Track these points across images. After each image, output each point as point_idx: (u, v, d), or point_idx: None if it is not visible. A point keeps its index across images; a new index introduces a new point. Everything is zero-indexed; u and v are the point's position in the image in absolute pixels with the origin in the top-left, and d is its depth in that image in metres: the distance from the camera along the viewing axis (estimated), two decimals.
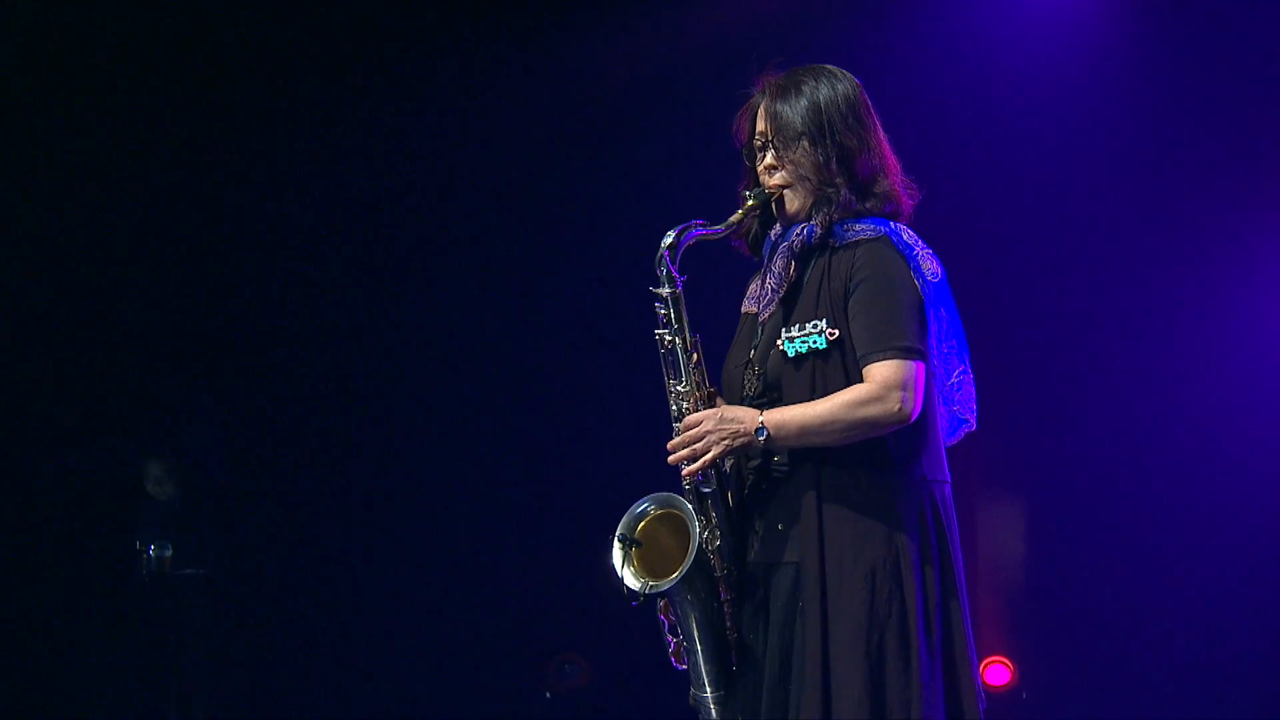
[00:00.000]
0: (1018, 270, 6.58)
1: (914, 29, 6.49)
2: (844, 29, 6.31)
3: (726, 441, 3.44)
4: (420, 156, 6.65)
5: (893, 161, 3.62)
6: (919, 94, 6.28)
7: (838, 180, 3.53)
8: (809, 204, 3.56)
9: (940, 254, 6.34)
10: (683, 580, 3.46)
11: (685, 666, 3.59)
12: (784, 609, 3.48)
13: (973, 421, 3.62)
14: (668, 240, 3.51)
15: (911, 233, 3.57)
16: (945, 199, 6.36)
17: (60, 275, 6.46)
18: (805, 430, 3.41)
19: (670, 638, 3.58)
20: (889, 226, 3.54)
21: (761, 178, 3.60)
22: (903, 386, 3.39)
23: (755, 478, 3.56)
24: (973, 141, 6.45)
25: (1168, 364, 6.45)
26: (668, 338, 3.54)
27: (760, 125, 3.60)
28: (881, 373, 3.40)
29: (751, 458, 3.55)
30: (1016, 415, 6.54)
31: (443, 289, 6.69)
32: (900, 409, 3.39)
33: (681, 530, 3.51)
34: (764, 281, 3.61)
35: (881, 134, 3.62)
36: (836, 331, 3.46)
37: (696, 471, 3.47)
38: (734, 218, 3.57)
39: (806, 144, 3.53)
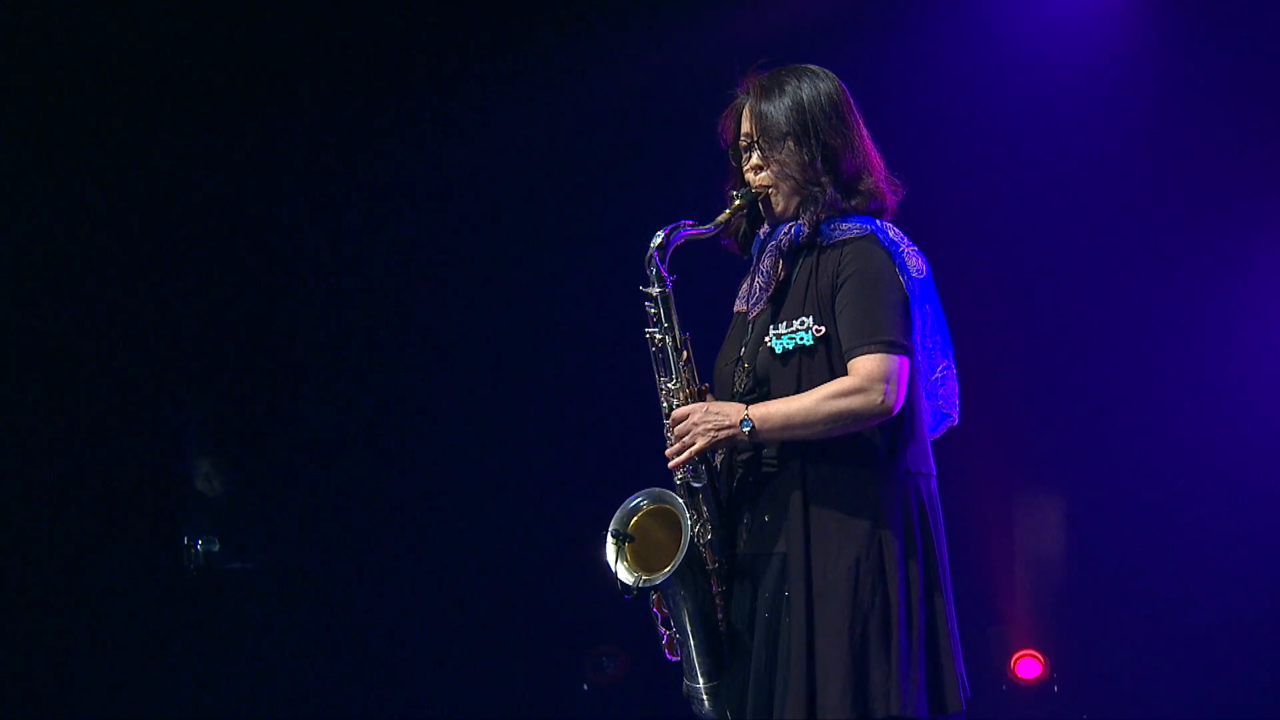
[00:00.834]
0: (1048, 267, 6.61)
1: (918, 33, 6.56)
2: (845, 34, 6.36)
3: (712, 434, 3.51)
4: (427, 158, 6.75)
5: (876, 159, 3.67)
6: (931, 96, 6.35)
7: (823, 179, 3.58)
8: (795, 203, 3.61)
9: (981, 254, 6.42)
10: (675, 574, 3.53)
11: (678, 658, 3.66)
12: (770, 599, 3.53)
13: (955, 416, 3.67)
14: (656, 240, 3.57)
15: (897, 230, 3.62)
16: (982, 197, 6.51)
17: (112, 273, 6.58)
18: (789, 423, 3.47)
19: (663, 630, 3.65)
20: (875, 224, 3.59)
21: (748, 177, 3.65)
22: (885, 380, 3.45)
23: (744, 471, 3.62)
24: (999, 139, 6.51)
25: (1204, 359, 6.47)
26: (658, 336, 3.60)
27: (745, 126, 3.66)
28: (865, 366, 3.46)
29: (741, 451, 3.61)
30: (1050, 413, 6.58)
31: (467, 291, 6.79)
32: (883, 402, 3.44)
33: (673, 524, 3.58)
34: (753, 280, 3.67)
35: (865, 132, 3.67)
36: (823, 328, 3.52)
37: (684, 462, 3.54)
38: (721, 217, 3.63)
39: (791, 143, 3.59)
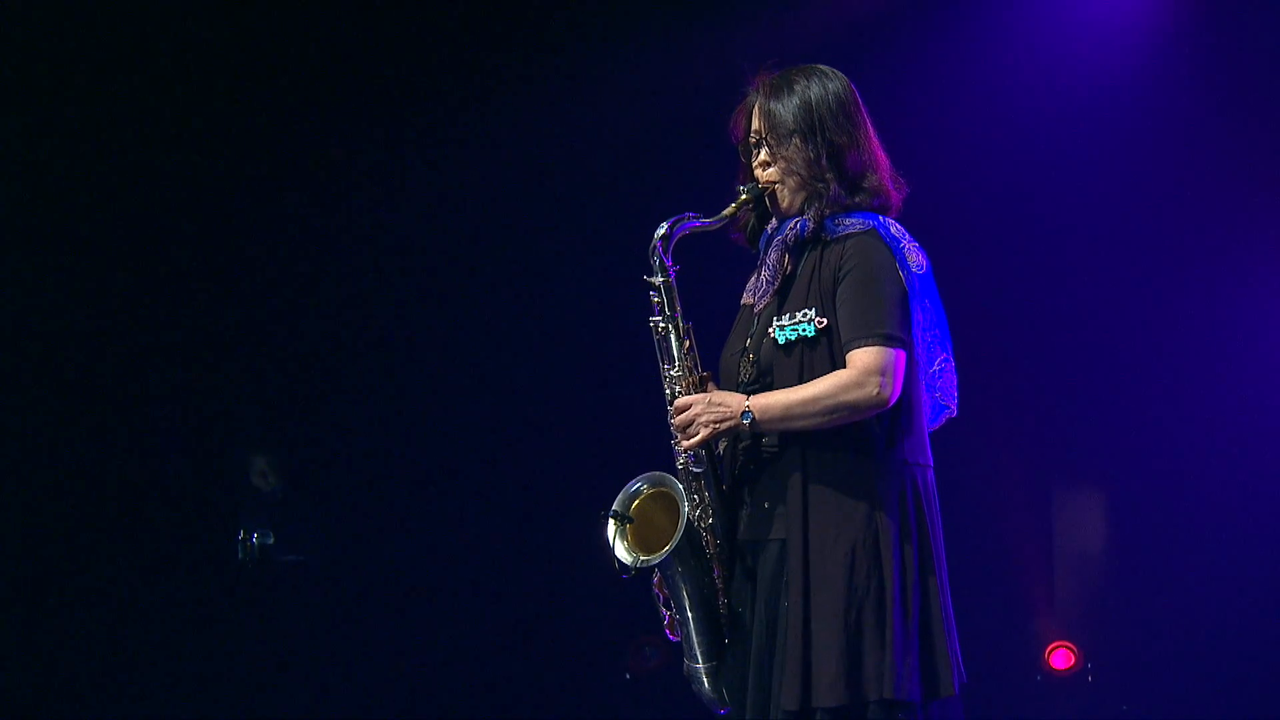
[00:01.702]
0: (1087, 262, 6.65)
1: (936, 37, 6.64)
2: (864, 38, 6.46)
3: (714, 425, 3.60)
4: (460, 161, 6.88)
5: (882, 157, 3.75)
6: (962, 95, 6.43)
7: (828, 175, 3.67)
8: (801, 198, 3.70)
9: (1026, 247, 6.46)
10: (673, 555, 3.63)
11: (679, 639, 3.75)
12: (769, 584, 3.62)
13: (954, 408, 3.74)
14: (661, 231, 3.67)
15: (899, 226, 3.70)
16: (1029, 190, 6.57)
17: (171, 274, 6.75)
18: (788, 414, 3.56)
19: (665, 611, 3.75)
20: (877, 220, 3.67)
21: (756, 173, 3.75)
22: (882, 372, 3.53)
23: (745, 458, 3.70)
24: (1039, 133, 6.58)
25: (1246, 352, 6.50)
26: (661, 325, 3.70)
27: (755, 123, 3.75)
28: (862, 359, 3.54)
29: (742, 440, 3.70)
30: (1087, 406, 6.62)
31: (517, 285, 6.90)
32: (879, 394, 3.52)
33: (673, 508, 3.67)
34: (760, 274, 3.76)
35: (871, 131, 3.75)
36: (825, 320, 3.60)
37: (688, 449, 3.63)
38: (726, 211, 3.73)
39: (798, 141, 3.68)
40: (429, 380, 6.96)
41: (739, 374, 3.74)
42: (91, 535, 6.59)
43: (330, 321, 6.95)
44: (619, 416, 6.54)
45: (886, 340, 3.55)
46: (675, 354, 3.70)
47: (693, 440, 3.62)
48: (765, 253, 3.76)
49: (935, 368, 3.70)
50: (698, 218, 3.71)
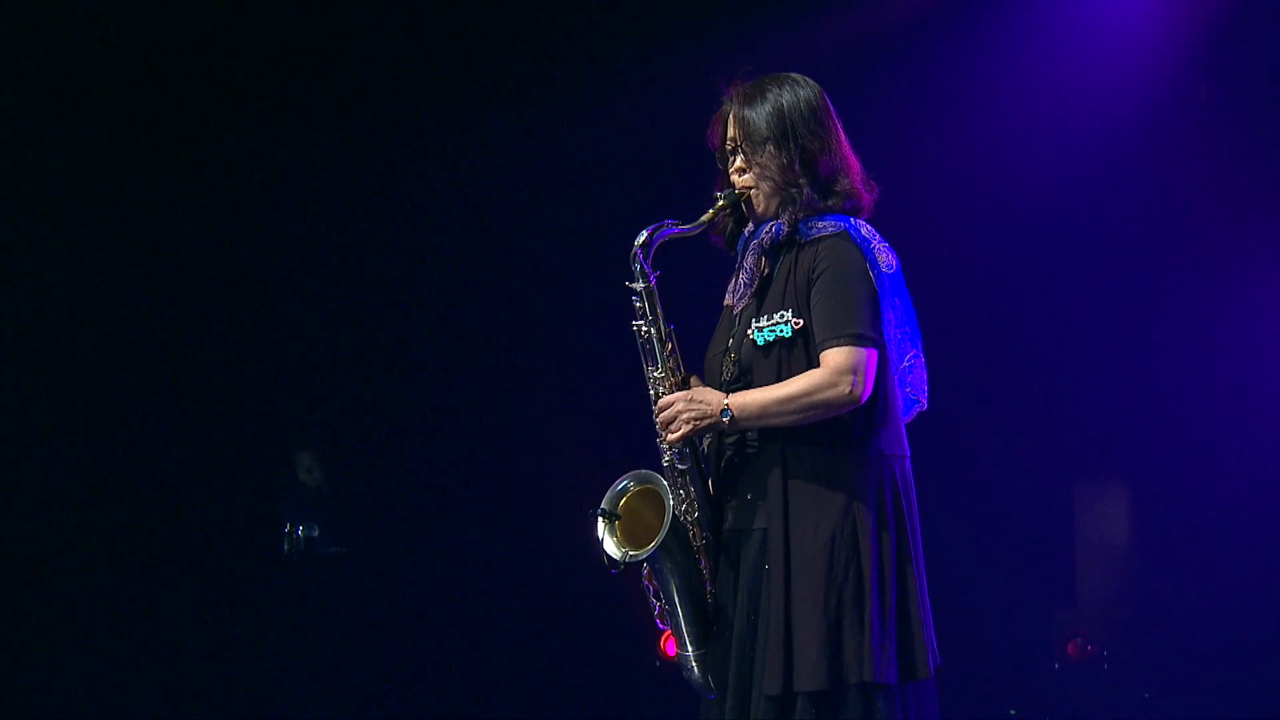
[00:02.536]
0: (1100, 260, 6.72)
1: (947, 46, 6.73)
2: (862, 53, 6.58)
3: (694, 422, 3.75)
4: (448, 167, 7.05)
5: (853, 161, 3.88)
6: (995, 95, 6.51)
7: (801, 180, 3.80)
8: (775, 203, 3.83)
9: (1037, 248, 6.53)
10: (660, 549, 3.77)
11: (668, 627, 3.90)
12: (751, 572, 3.76)
13: (924, 401, 3.86)
14: (640, 239, 3.80)
15: (870, 227, 3.83)
16: (1041, 193, 6.65)
17: (218, 275, 6.92)
18: (765, 412, 3.71)
19: (655, 601, 3.90)
20: (849, 222, 3.80)
21: (732, 179, 3.88)
22: (853, 370, 3.66)
23: (731, 453, 3.85)
24: (1047, 137, 6.66)
25: (1262, 350, 6.54)
26: (644, 329, 3.83)
27: (730, 130, 3.88)
28: (835, 358, 3.68)
29: (728, 435, 3.84)
30: (1110, 402, 6.70)
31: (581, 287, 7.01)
32: (851, 391, 3.65)
33: (660, 505, 3.82)
34: (738, 276, 3.90)
35: (843, 135, 3.87)
36: (801, 321, 3.73)
37: (671, 446, 3.78)
38: (704, 217, 3.86)
39: (772, 147, 3.81)
40: (467, 380, 7.11)
41: (722, 373, 3.88)
42: (144, 528, 6.76)
43: (373, 324, 7.13)
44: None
45: (857, 340, 3.68)
46: (658, 356, 3.84)
47: (674, 436, 3.77)
48: (743, 256, 3.90)
49: (905, 363, 3.82)
50: (676, 224, 3.83)
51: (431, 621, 7.01)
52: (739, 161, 3.87)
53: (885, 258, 3.79)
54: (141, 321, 6.80)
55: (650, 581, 3.89)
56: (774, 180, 3.82)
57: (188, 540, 6.80)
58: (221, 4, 6.78)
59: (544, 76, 6.99)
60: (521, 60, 7.00)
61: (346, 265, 7.15)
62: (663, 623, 3.92)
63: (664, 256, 3.86)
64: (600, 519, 3.85)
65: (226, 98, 6.81)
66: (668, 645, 5.92)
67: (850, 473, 3.71)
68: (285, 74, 6.93)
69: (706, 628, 3.86)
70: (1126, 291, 6.78)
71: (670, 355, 3.85)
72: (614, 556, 3.83)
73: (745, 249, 3.90)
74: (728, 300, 3.97)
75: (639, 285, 3.82)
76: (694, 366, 3.93)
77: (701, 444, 3.89)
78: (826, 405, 3.66)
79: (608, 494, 3.87)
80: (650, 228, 3.82)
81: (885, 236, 3.83)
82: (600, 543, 3.84)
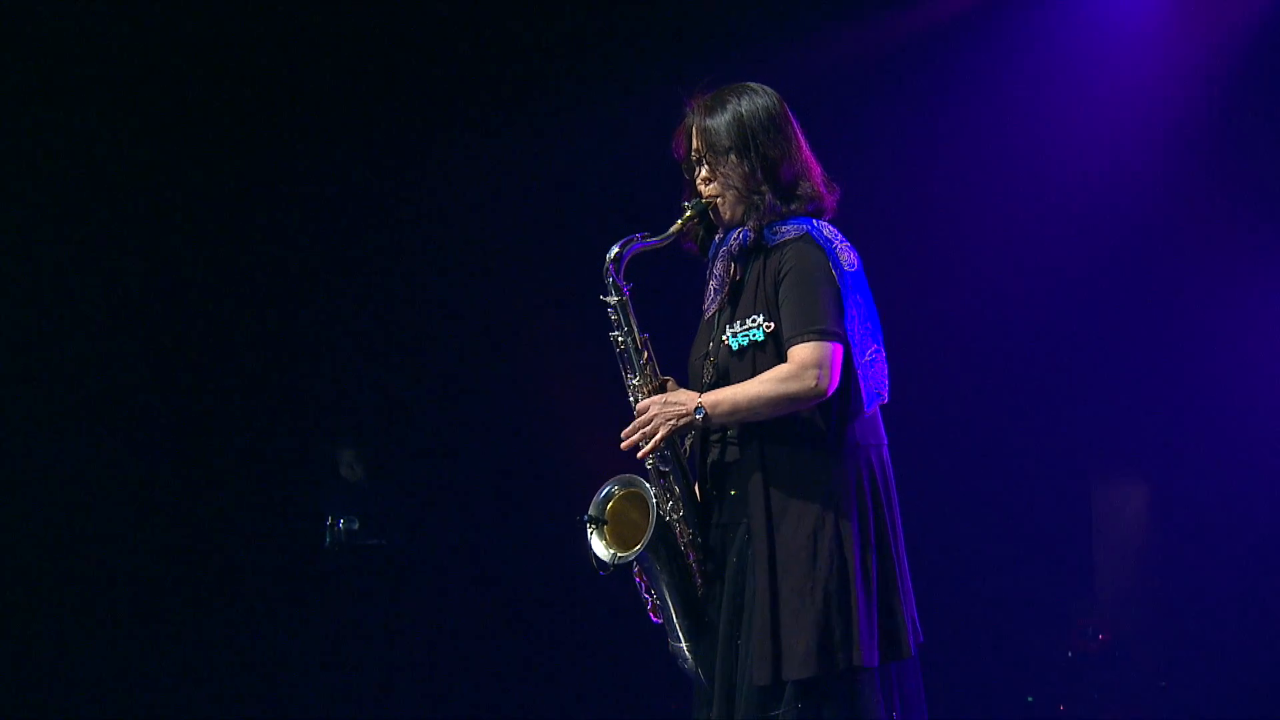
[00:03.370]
0: (1118, 260, 6.82)
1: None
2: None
3: (672, 422, 3.89)
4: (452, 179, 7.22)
5: (813, 164, 4.00)
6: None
7: (763, 187, 3.93)
8: (741, 210, 3.96)
9: (1065, 249, 6.61)
10: (647, 548, 3.93)
11: (661, 621, 4.06)
12: (737, 564, 3.91)
13: (885, 395, 3.97)
14: (612, 253, 3.94)
15: (832, 228, 3.95)
16: (1059, 195, 6.73)
17: (263, 281, 7.20)
18: (736, 408, 3.84)
19: (646, 596, 4.05)
20: (811, 225, 3.92)
21: (699, 188, 4.01)
22: (818, 365, 3.78)
23: (715, 452, 4.00)
24: (1063, 139, 6.78)
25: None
26: (620, 339, 3.98)
27: (694, 142, 4.00)
28: (800, 354, 3.81)
29: (712, 435, 3.99)
30: (1127, 401, 6.82)
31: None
32: (816, 385, 3.78)
33: (646, 506, 3.97)
34: (710, 283, 4.04)
35: (802, 141, 4.00)
36: (773, 325, 3.87)
37: (650, 451, 3.92)
38: (673, 228, 3.99)
39: (734, 156, 3.93)
40: (502, 383, 7.30)
41: (703, 375, 4.02)
42: (195, 523, 7.06)
43: (412, 330, 7.35)
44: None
45: (822, 335, 3.81)
46: (635, 364, 3.99)
47: (655, 439, 3.90)
48: (713, 262, 4.03)
49: (867, 358, 3.92)
50: (647, 238, 3.97)
51: (465, 610, 7.25)
52: (704, 171, 3.99)
53: (847, 256, 3.90)
54: (193, 325, 7.09)
55: (641, 578, 4.03)
56: (738, 188, 3.94)
57: (237, 532, 7.05)
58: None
59: (562, 98, 7.14)
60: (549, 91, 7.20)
61: (388, 273, 7.33)
62: (655, 616, 4.06)
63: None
64: (587, 525, 3.99)
65: (284, 106, 7.07)
66: None
67: (827, 464, 3.84)
68: (340, 83, 7.13)
69: (697, 620, 3.99)
70: (1146, 289, 6.87)
71: (647, 363, 3.98)
72: (603, 559, 3.98)
73: (714, 256, 4.03)
74: (704, 305, 4.10)
75: (613, 299, 3.96)
76: (671, 371, 4.06)
77: (684, 445, 4.03)
78: (794, 399, 3.79)
79: (594, 500, 4.02)
80: (620, 242, 3.95)
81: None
82: (589, 547, 3.99)
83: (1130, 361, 6.84)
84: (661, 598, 4.02)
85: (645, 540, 3.93)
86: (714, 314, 4.03)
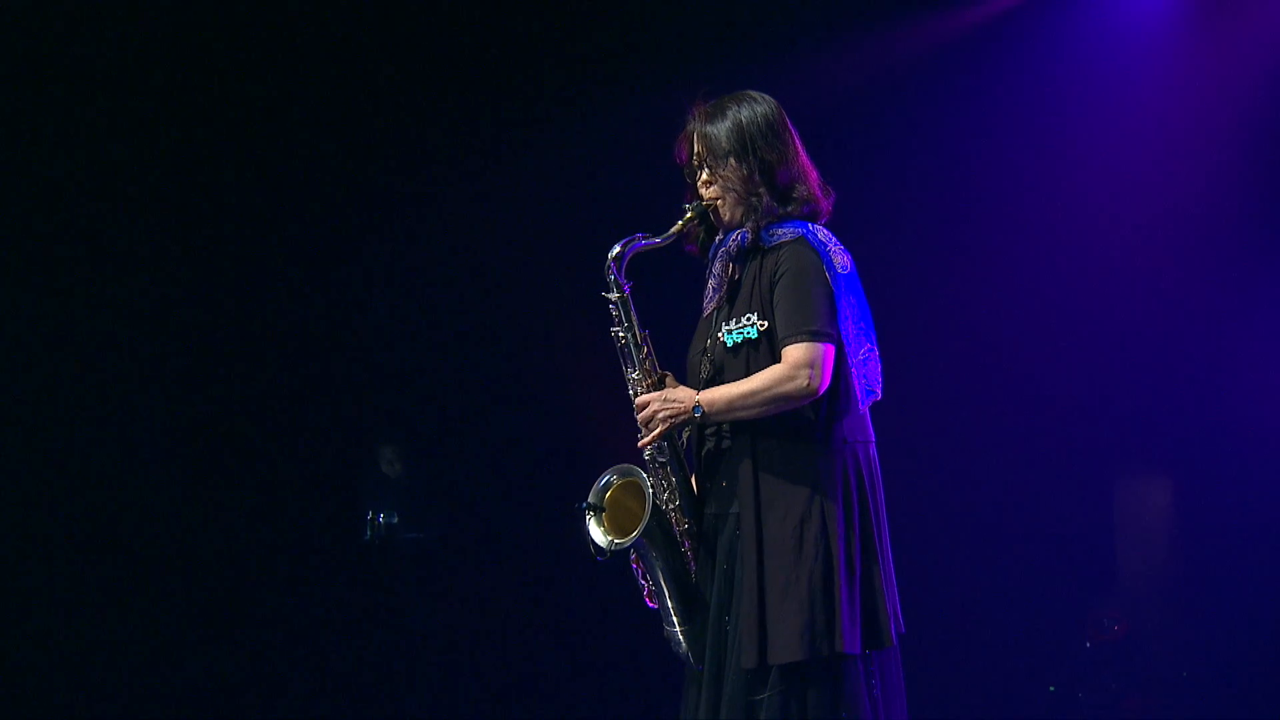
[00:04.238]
0: (1154, 258, 6.91)
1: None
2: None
3: (670, 418, 4.06)
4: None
5: (810, 169, 4.16)
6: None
7: (760, 190, 4.09)
8: (740, 212, 4.12)
9: (1088, 245, 6.72)
10: (643, 535, 4.09)
11: (656, 606, 4.21)
12: (727, 552, 4.08)
13: (878, 392, 4.12)
14: (613, 252, 4.10)
15: (826, 231, 4.11)
16: (1080, 195, 6.84)
17: (302, 277, 7.32)
18: (731, 406, 4.01)
19: (643, 582, 4.21)
20: (806, 228, 4.08)
21: (700, 192, 4.18)
22: (810, 365, 3.94)
23: (708, 445, 4.16)
24: (1080, 140, 6.88)
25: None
26: (621, 335, 4.15)
27: (695, 147, 4.17)
28: (793, 354, 3.96)
29: (707, 429, 4.15)
30: (1148, 393, 6.89)
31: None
32: (808, 384, 3.94)
33: (643, 495, 4.14)
34: (709, 282, 4.20)
35: (800, 146, 4.16)
36: (766, 324, 4.03)
37: (649, 443, 4.10)
38: (674, 229, 4.16)
39: (733, 160, 4.10)
40: (537, 381, 7.43)
41: (700, 371, 4.18)
42: (240, 518, 7.19)
43: (452, 329, 7.47)
44: None
45: (814, 336, 3.96)
46: (635, 359, 4.15)
47: (653, 433, 4.09)
48: (712, 262, 4.19)
49: (861, 356, 4.07)
50: (647, 237, 4.13)
51: (504, 602, 7.37)
52: (704, 175, 4.16)
53: (841, 259, 4.06)
54: (238, 323, 7.20)
55: (638, 564, 4.20)
56: (736, 191, 4.10)
57: (279, 528, 7.22)
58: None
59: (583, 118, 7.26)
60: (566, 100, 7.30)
61: (428, 272, 7.49)
62: (651, 601, 4.21)
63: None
64: (587, 512, 4.16)
65: (322, 101, 7.19)
66: None
67: (815, 459, 3.99)
68: (376, 80, 7.28)
69: (691, 606, 4.15)
70: (1167, 286, 6.94)
71: (646, 358, 4.15)
72: (600, 545, 4.14)
73: (714, 256, 4.19)
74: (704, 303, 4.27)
75: (614, 295, 4.13)
76: (671, 366, 4.22)
77: (681, 437, 4.20)
78: (786, 397, 3.95)
79: (593, 488, 4.19)
80: (622, 242, 4.11)
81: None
82: (587, 534, 4.15)
83: (1154, 356, 6.89)
84: (657, 584, 4.17)
85: (641, 527, 4.09)
86: (712, 312, 4.19)
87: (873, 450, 4.13)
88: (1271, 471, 6.66)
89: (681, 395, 4.07)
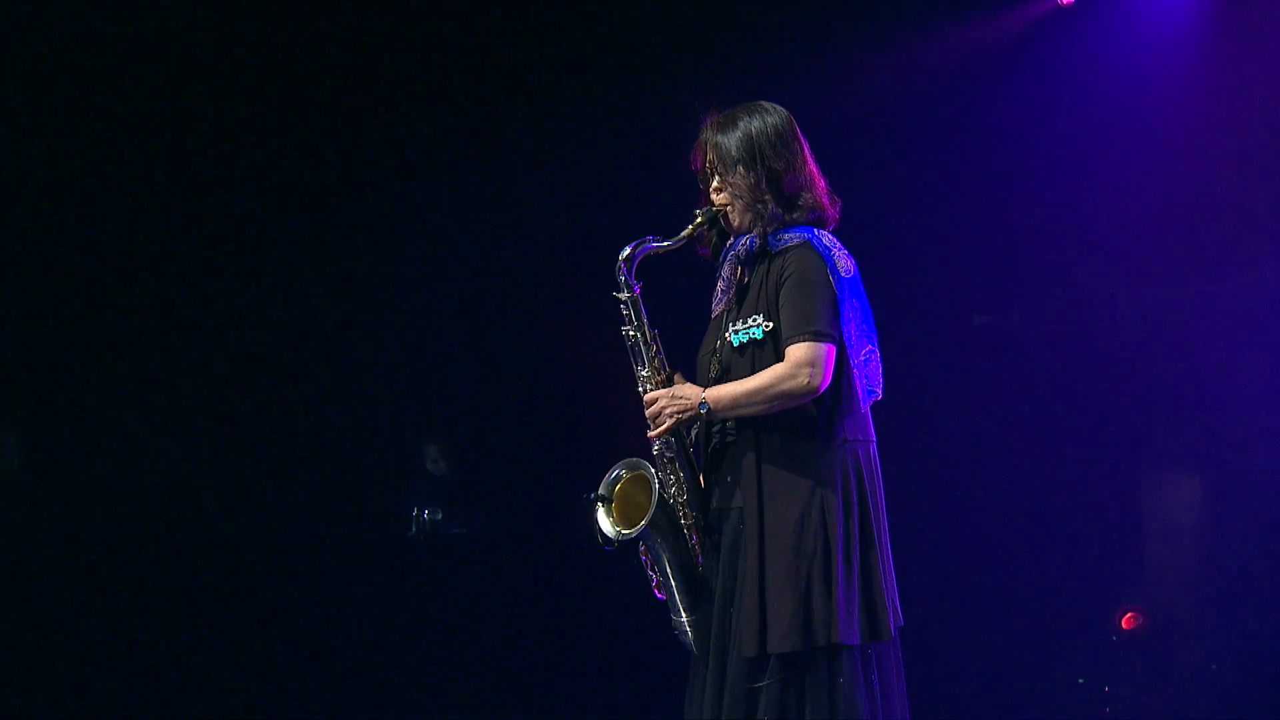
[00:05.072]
0: (1179, 262, 6.99)
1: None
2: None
3: (677, 415, 4.20)
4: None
5: (818, 178, 4.30)
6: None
7: (766, 197, 4.23)
8: (748, 218, 4.27)
9: (1113, 245, 6.80)
10: (650, 527, 4.22)
11: (664, 597, 4.35)
12: (730, 545, 4.22)
13: (879, 392, 4.25)
14: (624, 253, 4.25)
15: (831, 237, 4.25)
16: (1102, 197, 6.91)
17: (346, 279, 7.56)
18: (736, 403, 4.15)
19: (651, 574, 4.35)
20: (811, 233, 4.22)
21: (711, 197, 4.32)
22: (812, 364, 4.08)
23: (714, 441, 4.31)
24: (1101, 145, 6.95)
25: None
26: (631, 333, 4.29)
27: (707, 155, 4.32)
28: (795, 354, 4.11)
29: (713, 426, 4.29)
30: (1175, 390, 6.96)
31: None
32: (809, 383, 4.08)
33: (650, 488, 4.26)
34: (719, 284, 4.35)
35: (808, 156, 4.30)
36: (771, 324, 4.17)
37: (658, 436, 4.24)
38: (684, 233, 4.31)
39: (742, 168, 4.25)
40: (574, 382, 7.60)
41: (709, 370, 4.33)
42: (291, 514, 7.45)
43: (494, 332, 7.67)
44: None
45: (817, 336, 4.10)
46: (645, 357, 4.29)
47: (661, 429, 4.23)
48: (722, 265, 4.33)
49: (862, 357, 4.21)
50: (658, 240, 4.28)
51: (544, 592, 7.57)
52: (715, 182, 4.31)
53: (844, 263, 4.20)
54: (286, 324, 7.43)
55: (646, 557, 4.34)
56: (744, 198, 4.25)
57: (328, 523, 7.44)
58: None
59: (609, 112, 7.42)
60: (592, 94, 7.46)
61: (469, 274, 7.68)
62: (659, 593, 4.36)
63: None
64: (596, 503, 4.31)
65: (351, 104, 7.39)
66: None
67: (816, 456, 4.13)
68: (402, 88, 7.48)
69: (697, 597, 4.28)
70: (1191, 285, 7.03)
71: (655, 356, 4.29)
72: (608, 536, 4.29)
73: (724, 260, 4.34)
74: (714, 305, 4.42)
75: (624, 295, 4.27)
76: (682, 365, 4.36)
77: (690, 433, 4.34)
78: (788, 395, 4.09)
79: (603, 481, 4.33)
80: (633, 243, 4.25)
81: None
82: (595, 524, 4.29)
83: (1180, 351, 6.97)
84: (664, 575, 4.31)
85: (647, 518, 4.22)
86: (721, 313, 4.33)
87: (873, 450, 4.25)
88: None
89: (689, 392, 4.21)
